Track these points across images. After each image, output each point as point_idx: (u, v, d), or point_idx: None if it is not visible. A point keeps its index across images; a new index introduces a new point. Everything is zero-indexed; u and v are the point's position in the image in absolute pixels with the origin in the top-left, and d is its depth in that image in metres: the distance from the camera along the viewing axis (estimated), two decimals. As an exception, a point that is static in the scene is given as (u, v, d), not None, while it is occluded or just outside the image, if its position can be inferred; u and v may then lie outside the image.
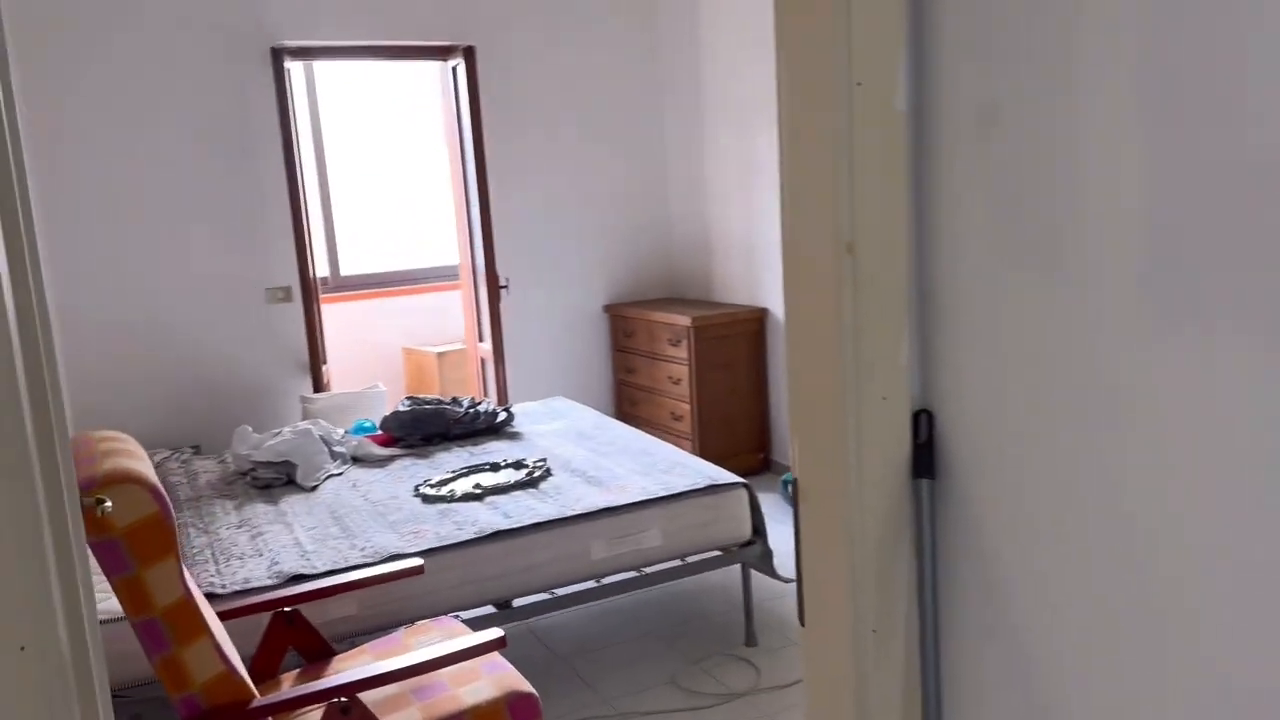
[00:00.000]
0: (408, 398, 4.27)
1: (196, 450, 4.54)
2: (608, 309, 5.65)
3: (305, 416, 4.54)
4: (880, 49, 1.08)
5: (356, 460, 3.88)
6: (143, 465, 1.83)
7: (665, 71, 5.62)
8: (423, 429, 4.07)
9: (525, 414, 4.46)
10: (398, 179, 7.21)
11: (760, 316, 5.07)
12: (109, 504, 1.54)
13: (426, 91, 7.41)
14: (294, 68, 5.03)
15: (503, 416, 4.25)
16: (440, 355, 6.12)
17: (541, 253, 5.46)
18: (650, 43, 5.61)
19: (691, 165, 5.51)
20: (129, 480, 1.72)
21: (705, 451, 4.98)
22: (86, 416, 4.51)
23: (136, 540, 1.72)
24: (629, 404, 5.59)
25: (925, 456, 1.17)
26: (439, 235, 7.09)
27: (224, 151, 4.70)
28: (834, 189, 1.10)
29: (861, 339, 1.13)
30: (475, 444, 4.04)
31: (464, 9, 5.13)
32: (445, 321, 6.49)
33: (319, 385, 4.85)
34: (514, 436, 4.13)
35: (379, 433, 4.10)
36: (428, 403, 4.26)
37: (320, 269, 6.17)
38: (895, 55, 1.09)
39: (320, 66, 6.20)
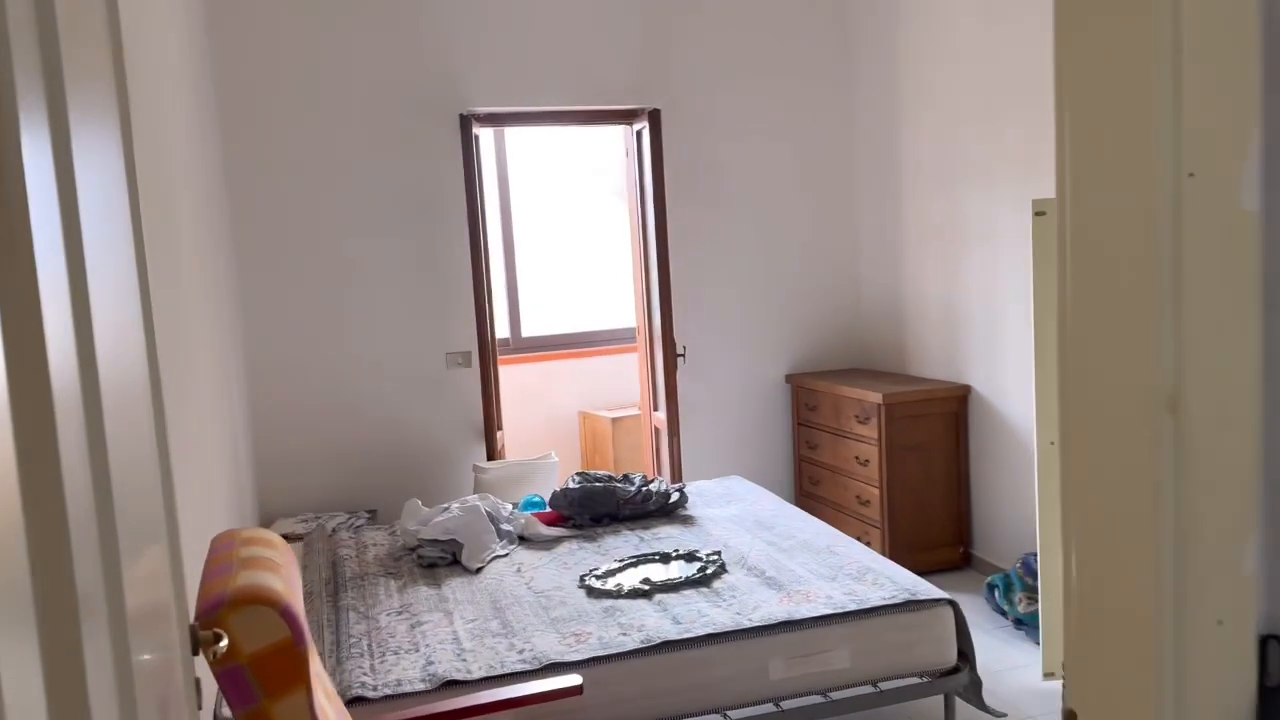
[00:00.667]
0: (578, 474, 4.07)
1: (372, 516, 4.51)
2: (790, 379, 5.32)
3: (477, 487, 4.43)
4: (1224, 126, 0.76)
5: (523, 540, 3.70)
6: (281, 579, 1.66)
7: (861, 131, 5.29)
8: (592, 509, 3.86)
9: (699, 494, 4.18)
10: (579, 240, 7.17)
11: (961, 395, 4.61)
12: (224, 644, 1.35)
13: (609, 154, 7.37)
14: (483, 134, 5.02)
15: (675, 497, 3.98)
16: (615, 421, 5.94)
17: (721, 318, 5.21)
18: (844, 103, 5.31)
19: (886, 227, 5.14)
20: (260, 600, 1.54)
21: (896, 543, 4.54)
22: (265, 472, 4.56)
23: (264, 669, 1.54)
24: (810, 483, 5.21)
25: (1277, 704, 0.81)
26: (618, 297, 6.98)
27: (410, 218, 4.72)
28: (1149, 318, 0.78)
29: (1187, 536, 0.79)
30: (646, 527, 3.79)
31: (652, 73, 5.00)
32: (622, 385, 6.32)
33: (493, 452, 4.74)
34: (687, 521, 3.85)
35: (548, 510, 3.92)
36: (598, 480, 4.05)
37: (500, 330, 6.14)
38: (1246, 135, 0.76)
39: (509, 131, 6.23)
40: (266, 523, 4.50)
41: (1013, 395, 4.31)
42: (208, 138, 3.91)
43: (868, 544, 4.58)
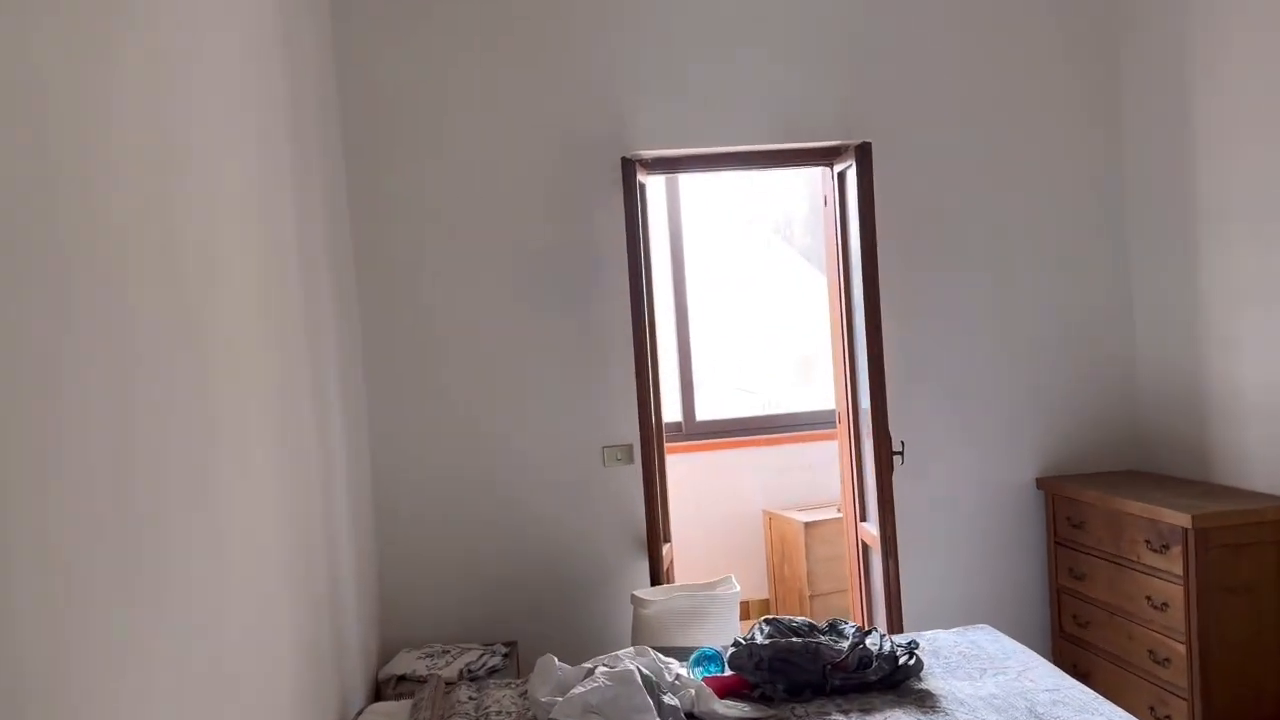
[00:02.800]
0: (768, 620, 3.04)
1: (510, 651, 3.63)
2: (1043, 484, 4.11)
3: (635, 627, 3.47)
4: None
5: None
6: None
7: (1132, 170, 4.10)
8: (788, 675, 2.82)
9: (936, 654, 3.06)
10: (764, 307, 6.20)
11: (1304, 516, 3.30)
12: None
13: (799, 203, 6.41)
14: (650, 182, 4.18)
15: (905, 660, 2.89)
16: (809, 526, 4.88)
17: (949, 405, 4.09)
18: (1109, 137, 4.14)
19: (1174, 289, 3.90)
20: None
21: (1212, 717, 3.25)
22: (392, 595, 3.78)
23: None
24: (1075, 623, 3.96)
25: None
26: (813, 373, 5.95)
27: (561, 284, 3.89)
28: None
29: None
30: (865, 709, 2.71)
31: (858, 105, 4.01)
32: (817, 479, 5.27)
33: (657, 573, 3.78)
34: (923, 701, 2.74)
35: (727, 673, 2.90)
36: (796, 631, 3.01)
37: (670, 413, 5.24)
38: None
39: (683, 180, 5.39)
40: (389, 654, 3.70)
41: (1399, 523, 2.99)
42: (308, 184, 3.22)
43: (1167, 717, 3.32)
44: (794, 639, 2.90)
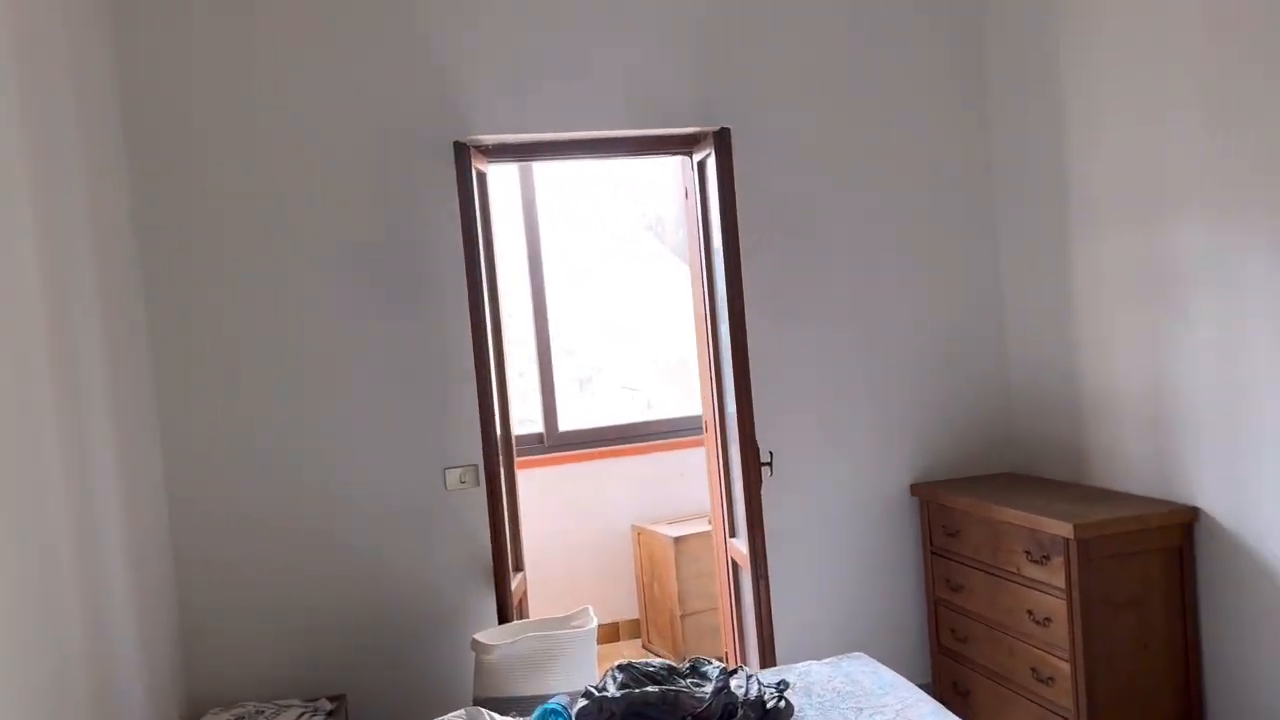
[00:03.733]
0: (621, 666, 2.68)
1: (336, 706, 3.18)
2: (916, 491, 3.88)
3: (477, 671, 3.06)
4: None
5: (532, 792, 2.32)
6: None
7: (1002, 157, 3.90)
8: (643, 731, 2.47)
9: (808, 692, 2.75)
10: (632, 307, 5.87)
11: (1185, 522, 3.13)
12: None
13: (671, 198, 6.10)
14: (495, 172, 3.77)
15: (773, 703, 2.57)
16: (678, 541, 4.56)
17: (817, 409, 3.81)
18: (976, 123, 3.93)
19: (1045, 283, 3.71)
20: None
21: (1098, 742, 3.05)
22: (196, 646, 3.27)
23: None
24: (954, 637, 3.74)
25: None
26: (687, 377, 5.65)
27: (392, 286, 3.45)
28: None
29: None
30: (729, 766, 2.38)
31: (718, 88, 3.69)
32: (688, 488, 4.95)
33: (506, 608, 3.38)
34: (794, 751, 2.43)
35: (574, 731, 2.53)
36: (652, 675, 2.66)
37: (532, 425, 4.86)
38: None
39: (548, 174, 5.00)
40: (195, 715, 3.20)
41: (1274, 520, 2.83)
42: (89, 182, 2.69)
43: (1052, 741, 3.10)
44: (650, 688, 2.55)
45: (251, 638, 3.33)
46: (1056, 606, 3.14)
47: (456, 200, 3.36)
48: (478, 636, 3.11)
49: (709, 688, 2.59)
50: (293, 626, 3.35)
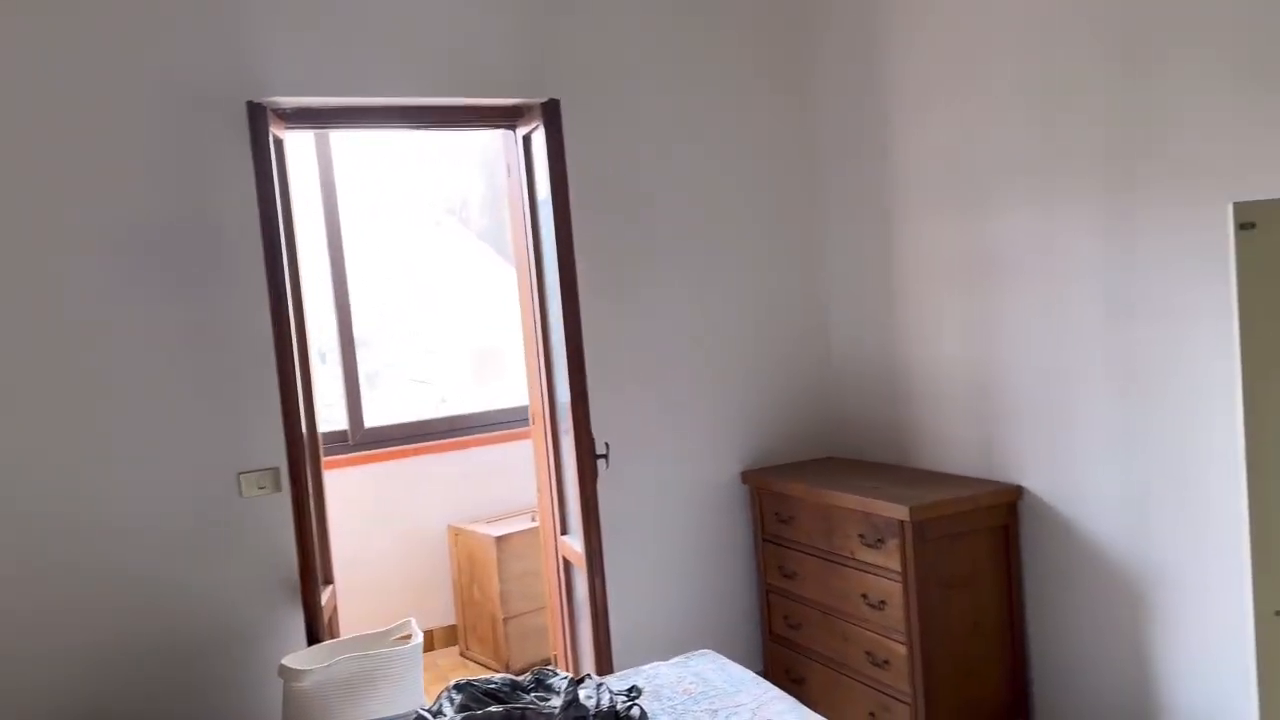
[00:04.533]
0: (458, 686, 2.43)
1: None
2: (747, 478, 3.81)
3: (287, 701, 2.72)
4: None
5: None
6: None
7: (827, 138, 3.89)
8: (486, 756, 2.23)
9: (659, 695, 2.60)
10: (438, 294, 5.53)
11: (1009, 501, 3.20)
12: None
13: (475, 180, 5.80)
14: (293, 140, 3.39)
15: (626, 711, 2.39)
16: (500, 540, 4.31)
17: (649, 398, 3.68)
18: (803, 100, 3.91)
19: (868, 264, 3.73)
20: None
21: (933, 721, 3.08)
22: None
23: None
24: (786, 624, 3.70)
25: None
26: (496, 368, 5.39)
27: (171, 267, 3.01)
28: None
29: None
30: (584, 787, 2.18)
31: (545, 54, 3.47)
32: (509, 484, 4.71)
33: (316, 627, 3.03)
34: (652, 764, 2.26)
35: (407, 763, 2.26)
36: (493, 693, 2.42)
37: (335, 421, 4.47)
38: None
39: (342, 149, 4.59)
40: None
41: (1096, 500, 2.94)
42: None
43: (888, 724, 3.10)
44: (493, 707, 2.31)
45: (12, 679, 2.82)
46: (892, 589, 3.14)
47: (251, 170, 2.97)
48: (285, 661, 2.76)
49: (556, 701, 2.38)
50: (65, 659, 2.86)
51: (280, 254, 2.99)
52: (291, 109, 3.22)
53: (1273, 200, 1.99)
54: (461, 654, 4.60)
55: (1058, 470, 3.06)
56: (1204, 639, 2.65)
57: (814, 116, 3.90)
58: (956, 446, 3.43)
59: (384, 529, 4.58)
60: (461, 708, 2.32)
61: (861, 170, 3.71)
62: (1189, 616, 2.70)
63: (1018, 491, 3.19)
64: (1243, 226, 1.97)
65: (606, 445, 3.35)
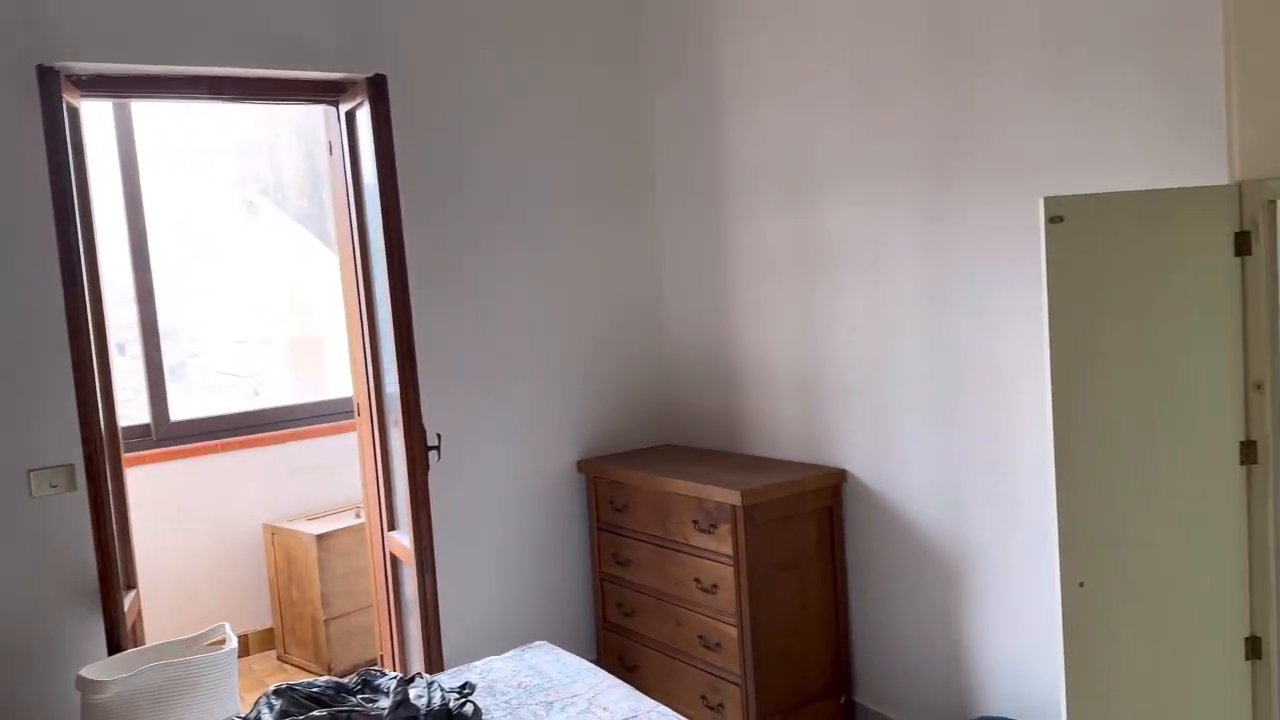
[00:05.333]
0: (278, 691, 2.28)
1: None
2: (583, 467, 3.79)
3: (86, 716, 2.49)
4: None
5: None
6: None
7: (663, 120, 3.91)
8: (311, 765, 2.11)
9: (493, 690, 2.54)
10: (251, 281, 5.23)
11: (834, 484, 3.32)
12: None
13: (293, 160, 5.52)
14: (90, 109, 3.10)
15: (459, 709, 2.32)
16: (321, 538, 4.12)
17: (482, 387, 3.59)
18: (640, 86, 3.91)
19: (703, 255, 3.78)
20: None
21: (764, 704, 3.17)
22: None
23: None
24: (620, 612, 3.70)
25: None
26: (315, 358, 5.15)
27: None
28: None
29: None
30: (417, 790, 2.10)
31: (371, 25, 3.31)
32: (329, 480, 4.50)
33: (118, 635, 2.79)
34: (488, 761, 2.20)
35: (223, 777, 2.11)
36: (316, 697, 2.30)
37: (137, 414, 4.15)
38: None
39: (138, 110, 4.25)
40: None
41: (913, 482, 3.08)
42: None
43: (720, 705, 3.16)
44: (317, 712, 2.19)
45: None
46: (724, 573, 3.19)
47: (42, 140, 2.70)
48: (84, 672, 2.53)
49: (385, 702, 2.28)
50: None
51: (74, 232, 2.73)
52: (88, 75, 2.95)
53: (1080, 195, 2.13)
54: (279, 658, 4.37)
55: (879, 455, 3.19)
56: (1012, 612, 2.83)
57: (651, 106, 3.91)
58: (786, 432, 3.52)
59: (194, 530, 4.28)
60: (282, 714, 2.19)
61: (696, 161, 3.75)
62: (999, 591, 2.87)
63: (842, 475, 3.30)
64: (1052, 220, 2.09)
65: (438, 436, 3.25)
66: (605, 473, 3.68)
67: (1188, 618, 2.23)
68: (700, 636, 3.32)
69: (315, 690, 2.34)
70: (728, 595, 3.18)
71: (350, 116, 3.35)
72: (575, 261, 3.78)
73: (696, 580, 3.31)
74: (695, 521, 3.29)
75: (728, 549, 3.17)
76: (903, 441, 3.10)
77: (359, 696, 2.36)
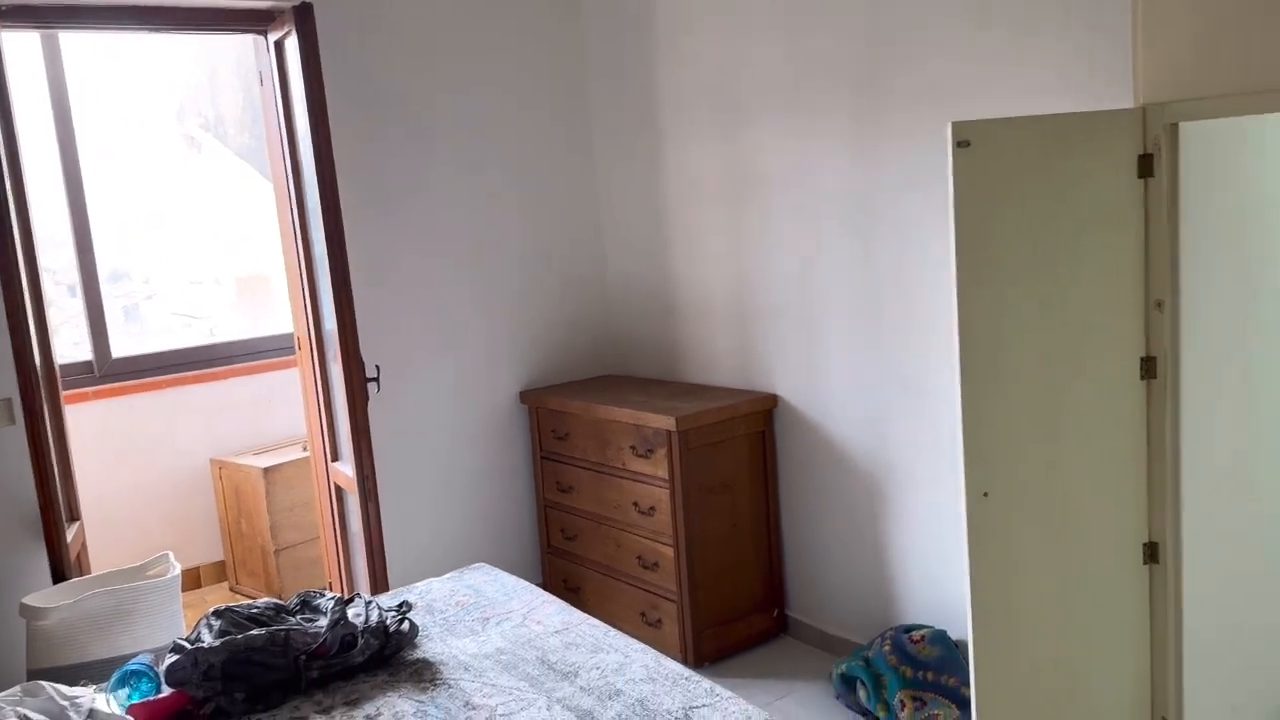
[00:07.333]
0: (217, 612, 2.35)
1: None
2: (526, 398, 3.85)
3: (31, 642, 2.54)
4: None
5: (115, 771, 1.96)
6: None
7: (596, 52, 3.90)
8: (250, 680, 2.18)
9: (431, 610, 2.62)
10: (195, 217, 5.17)
11: (767, 409, 3.41)
12: None
13: (232, 94, 5.43)
14: (11, 39, 3.05)
15: (396, 626, 2.41)
16: (268, 471, 4.16)
17: (422, 320, 3.63)
18: (573, 13, 3.89)
19: (639, 185, 3.81)
20: None
21: (700, 615, 3.29)
22: None
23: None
24: (563, 537, 3.80)
25: None
26: (263, 294, 5.13)
27: None
28: None
29: None
30: (352, 700, 2.19)
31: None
32: (274, 415, 4.53)
33: (62, 565, 2.84)
34: (419, 674, 2.29)
35: (165, 694, 2.17)
36: (256, 617, 2.37)
37: (78, 351, 4.14)
38: None
39: (67, 43, 4.17)
40: None
41: (839, 404, 3.18)
42: None
43: (658, 621, 3.29)
44: (256, 631, 2.26)
45: None
46: (660, 496, 3.29)
47: (-43, 67, 2.66)
48: (27, 600, 2.58)
49: (323, 622, 2.36)
50: None
51: (1, 169, 2.71)
52: (8, 5, 2.89)
53: (986, 120, 2.19)
54: (231, 589, 4.44)
55: (809, 379, 3.28)
56: (930, 524, 2.95)
57: (585, 33, 3.90)
58: (722, 360, 3.60)
59: (143, 465, 4.31)
60: (221, 633, 2.25)
61: (632, 91, 3.76)
62: (918, 506, 2.99)
63: (773, 400, 3.40)
64: (959, 145, 2.15)
65: (377, 368, 3.29)
66: (546, 403, 3.74)
67: (1088, 525, 2.35)
68: (639, 557, 3.43)
69: (255, 611, 2.40)
70: (664, 517, 3.29)
71: (279, 46, 3.31)
72: (514, 194, 3.79)
73: (635, 504, 3.41)
74: (633, 447, 3.38)
75: (664, 473, 3.26)
76: (830, 366, 3.19)
77: (298, 617, 2.43)
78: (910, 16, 2.76)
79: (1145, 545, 2.39)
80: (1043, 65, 2.49)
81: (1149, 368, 2.32)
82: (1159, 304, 2.30)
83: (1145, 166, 2.26)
